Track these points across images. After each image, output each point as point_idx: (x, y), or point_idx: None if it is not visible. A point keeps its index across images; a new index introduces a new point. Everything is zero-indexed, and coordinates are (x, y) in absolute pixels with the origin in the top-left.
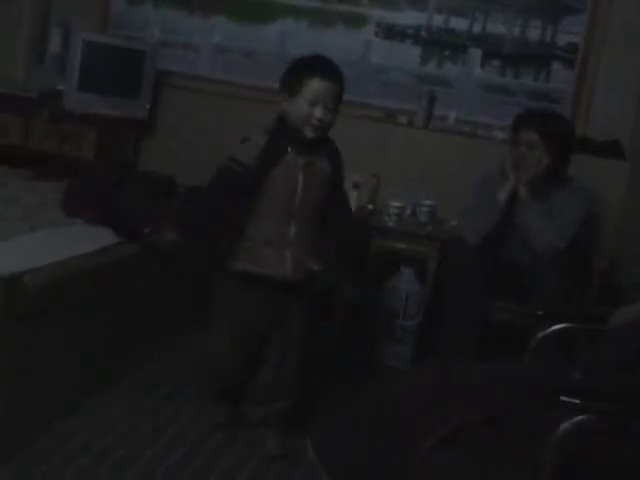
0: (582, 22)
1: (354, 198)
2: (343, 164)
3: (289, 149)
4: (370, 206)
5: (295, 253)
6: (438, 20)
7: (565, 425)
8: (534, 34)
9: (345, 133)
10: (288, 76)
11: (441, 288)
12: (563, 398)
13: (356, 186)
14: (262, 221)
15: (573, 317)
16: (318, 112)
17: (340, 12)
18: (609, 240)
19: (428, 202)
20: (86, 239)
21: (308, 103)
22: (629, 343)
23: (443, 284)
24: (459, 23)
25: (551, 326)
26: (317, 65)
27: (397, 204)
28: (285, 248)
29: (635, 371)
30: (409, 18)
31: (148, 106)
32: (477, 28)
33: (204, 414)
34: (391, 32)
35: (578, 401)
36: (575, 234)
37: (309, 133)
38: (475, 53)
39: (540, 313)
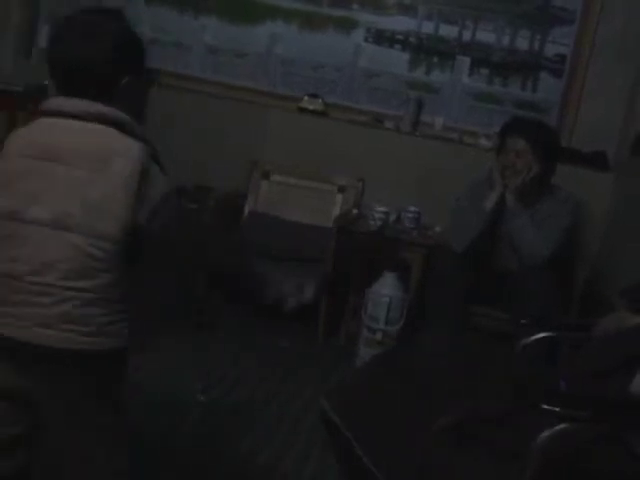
0: (571, 33)
1: (339, 202)
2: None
3: None
4: (355, 210)
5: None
6: (428, 27)
7: (545, 434)
8: (523, 44)
9: (332, 136)
10: None
11: (425, 294)
12: (545, 406)
13: (341, 190)
14: None
15: (556, 326)
16: None
17: (330, 16)
18: (592, 249)
19: (413, 208)
20: None
21: None
22: (612, 353)
23: (427, 290)
24: (448, 30)
25: (534, 334)
26: None
27: (382, 209)
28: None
29: (616, 381)
30: (399, 24)
31: None
32: (466, 36)
33: None
34: (381, 37)
35: (558, 409)
36: (560, 242)
37: None
38: (463, 61)
39: (524, 321)
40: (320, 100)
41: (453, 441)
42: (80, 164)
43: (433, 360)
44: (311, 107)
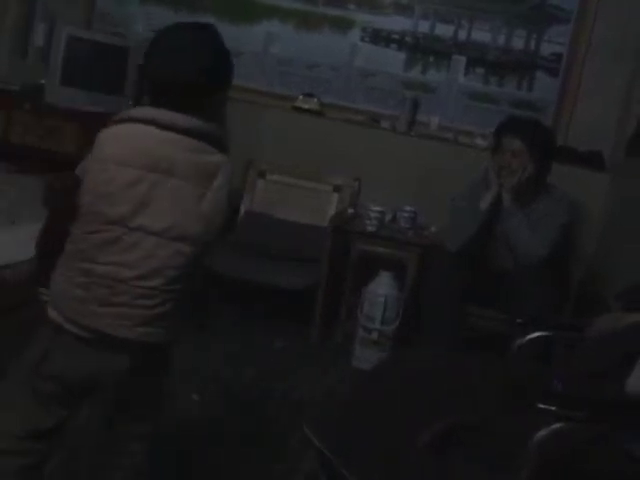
0: (567, 32)
1: (335, 201)
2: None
3: None
4: (351, 210)
5: None
6: (423, 26)
7: (541, 433)
8: (518, 43)
9: (328, 136)
10: None
11: (420, 294)
12: (541, 405)
13: (337, 189)
14: None
15: (551, 325)
16: None
17: (326, 15)
18: (588, 249)
19: (409, 207)
20: None
21: None
22: (608, 353)
23: (423, 290)
24: (444, 30)
25: (529, 334)
26: None
27: (378, 209)
28: None
29: (612, 380)
30: (395, 23)
31: (131, 103)
32: (462, 35)
33: None
34: (377, 37)
35: (554, 408)
36: (557, 240)
37: None
38: (459, 60)
39: (519, 321)
40: (316, 99)
41: (441, 450)
42: (190, 178)
43: (422, 371)
44: (306, 106)
